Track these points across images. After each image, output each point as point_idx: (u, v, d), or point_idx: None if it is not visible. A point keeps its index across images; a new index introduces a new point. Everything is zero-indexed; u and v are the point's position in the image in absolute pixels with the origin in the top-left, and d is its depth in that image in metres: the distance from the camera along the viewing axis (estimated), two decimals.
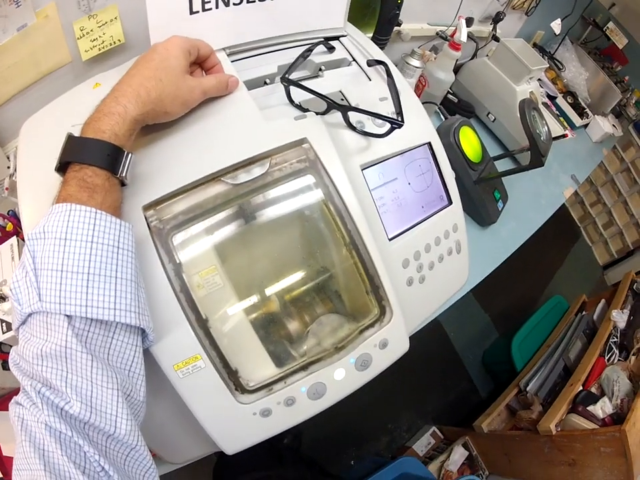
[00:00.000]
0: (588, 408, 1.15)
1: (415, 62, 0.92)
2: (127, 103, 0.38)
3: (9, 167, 0.61)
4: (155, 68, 0.41)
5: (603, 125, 1.48)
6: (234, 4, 0.49)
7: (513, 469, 1.35)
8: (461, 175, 0.83)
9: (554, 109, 1.41)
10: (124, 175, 0.38)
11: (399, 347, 0.52)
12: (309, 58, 0.56)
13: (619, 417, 1.12)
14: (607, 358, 1.34)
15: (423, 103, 0.62)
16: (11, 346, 0.54)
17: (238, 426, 0.45)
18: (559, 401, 1.21)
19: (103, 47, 0.57)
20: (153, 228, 0.42)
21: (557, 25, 1.32)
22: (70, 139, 0.37)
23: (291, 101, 0.51)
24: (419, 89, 0.97)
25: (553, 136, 0.93)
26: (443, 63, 0.93)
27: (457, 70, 1.08)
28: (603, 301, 1.64)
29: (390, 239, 0.53)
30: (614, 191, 2.33)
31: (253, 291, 0.46)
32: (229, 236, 0.45)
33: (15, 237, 0.58)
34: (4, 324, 0.52)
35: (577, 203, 2.57)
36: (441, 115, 1.09)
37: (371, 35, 0.87)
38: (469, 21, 1.06)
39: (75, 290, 0.33)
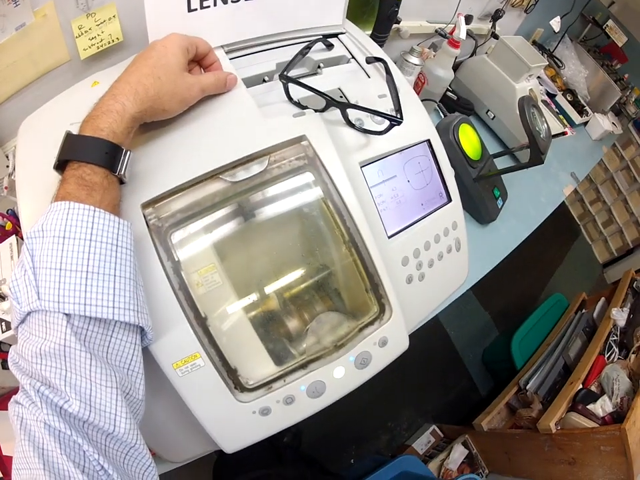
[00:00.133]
0: (588, 406, 1.15)
1: (414, 59, 0.92)
2: (125, 101, 0.38)
3: (7, 166, 0.61)
4: (153, 65, 0.41)
5: (603, 123, 1.48)
6: (232, 1, 0.49)
7: (513, 467, 1.35)
8: (460, 173, 0.83)
9: (553, 106, 1.40)
10: (122, 172, 0.38)
11: (399, 345, 0.52)
12: (307, 55, 0.56)
13: (618, 416, 1.12)
14: (606, 356, 1.34)
15: (422, 101, 0.61)
16: (10, 345, 0.54)
17: (237, 424, 0.45)
18: (558, 400, 1.21)
19: (102, 46, 0.57)
20: (151, 226, 0.42)
21: (556, 23, 1.32)
22: (68, 137, 0.37)
23: (290, 99, 0.51)
24: (418, 87, 0.97)
25: (553, 133, 0.92)
26: (442, 60, 0.92)
27: (456, 67, 1.08)
28: (602, 299, 1.64)
29: (389, 237, 0.53)
30: (614, 189, 2.33)
31: (252, 289, 0.46)
32: (227, 234, 0.45)
33: (14, 235, 0.58)
34: (3, 323, 0.52)
35: (576, 201, 2.57)
36: (440, 113, 1.09)
37: (370, 32, 0.87)
38: (468, 19, 1.05)
39: (74, 288, 0.33)
